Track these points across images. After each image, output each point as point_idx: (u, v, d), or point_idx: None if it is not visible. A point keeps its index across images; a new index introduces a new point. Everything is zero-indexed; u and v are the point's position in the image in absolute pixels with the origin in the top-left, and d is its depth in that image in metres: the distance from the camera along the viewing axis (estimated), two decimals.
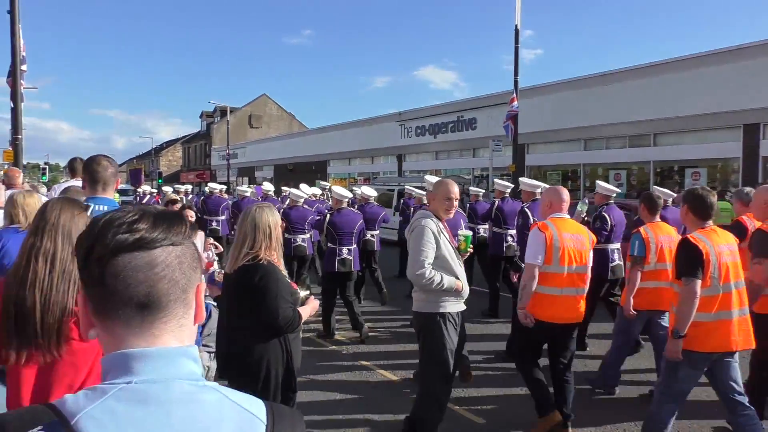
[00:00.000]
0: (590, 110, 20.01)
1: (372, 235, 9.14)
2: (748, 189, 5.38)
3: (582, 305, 4.27)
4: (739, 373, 3.73)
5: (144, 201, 16.04)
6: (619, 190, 7.31)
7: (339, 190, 7.80)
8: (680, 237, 4.09)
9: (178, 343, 0.87)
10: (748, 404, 3.67)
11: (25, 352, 1.87)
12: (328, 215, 7.58)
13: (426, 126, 28.01)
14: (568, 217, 4.38)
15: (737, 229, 4.55)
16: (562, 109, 20.92)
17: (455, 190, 4.04)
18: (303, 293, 3.43)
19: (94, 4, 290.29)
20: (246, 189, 12.09)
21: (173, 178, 54.50)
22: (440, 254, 3.90)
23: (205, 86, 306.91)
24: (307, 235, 8.77)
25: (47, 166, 46.32)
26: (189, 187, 19.07)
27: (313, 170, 37.80)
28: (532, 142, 22.57)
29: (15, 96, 11.10)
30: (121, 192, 27.24)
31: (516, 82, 19.23)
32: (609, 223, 6.58)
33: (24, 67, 11.38)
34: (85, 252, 0.86)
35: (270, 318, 3.06)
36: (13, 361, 1.88)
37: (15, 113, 11.20)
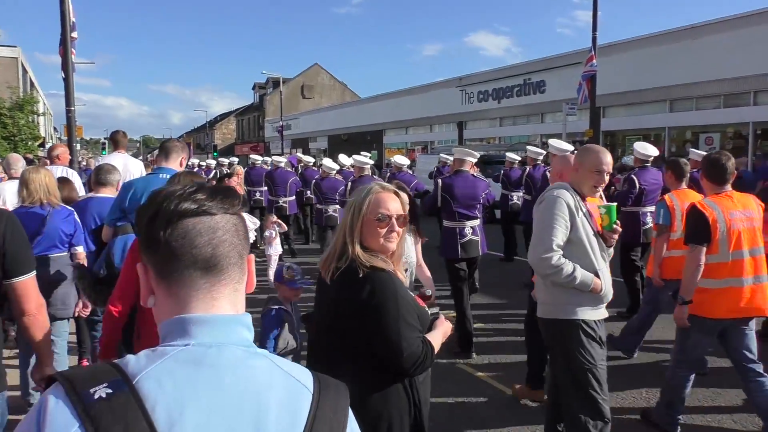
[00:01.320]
0: (677, 67, 18.01)
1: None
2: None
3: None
4: (754, 341, 3.65)
5: (210, 173, 15.90)
6: (656, 153, 6.86)
7: (359, 158, 8.43)
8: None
9: (233, 309, 0.91)
10: (761, 371, 3.59)
11: None
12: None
13: (489, 91, 26.41)
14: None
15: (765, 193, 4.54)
16: (644, 67, 18.97)
17: (608, 160, 3.11)
18: (432, 310, 2.38)
19: None
20: (281, 159, 11.78)
21: (228, 151, 54.63)
22: (576, 237, 3.00)
23: (256, 58, 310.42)
24: (338, 206, 8.82)
25: (107, 141, 47.54)
26: (235, 159, 18.73)
27: (368, 140, 36.82)
28: (608, 105, 20.70)
29: (66, 65, 10.40)
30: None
31: (594, 39, 17.49)
32: (637, 186, 6.46)
33: (74, 35, 10.67)
34: (149, 218, 0.89)
35: (390, 354, 2.00)
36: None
37: (67, 84, 10.53)
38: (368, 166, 8.43)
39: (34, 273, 2.34)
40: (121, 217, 3.57)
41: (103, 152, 47.18)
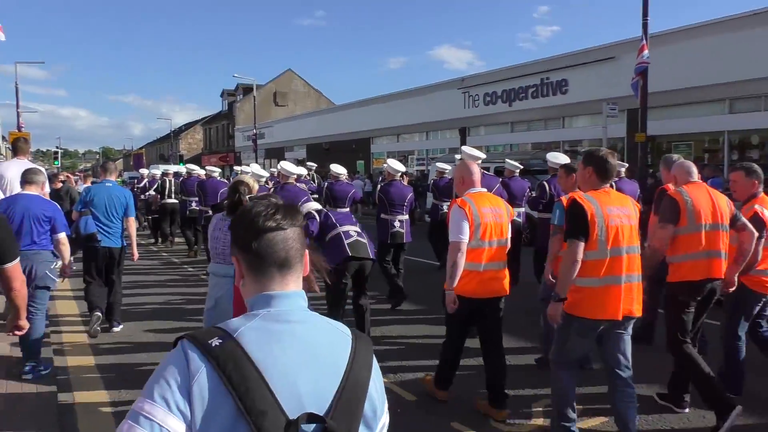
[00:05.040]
0: (738, 61, 15.26)
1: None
2: (676, 156, 5.29)
3: (506, 279, 4.25)
4: (629, 346, 3.62)
5: (142, 183, 15.80)
6: (566, 160, 7.03)
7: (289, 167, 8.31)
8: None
9: (297, 288, 1.30)
10: (630, 381, 3.59)
11: None
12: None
13: (498, 92, 23.41)
14: (484, 190, 4.35)
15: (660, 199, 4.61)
16: (698, 61, 16.18)
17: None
18: None
19: None
20: (214, 169, 11.90)
21: (195, 162, 50.55)
22: None
23: (219, 68, 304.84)
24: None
25: (58, 151, 43.43)
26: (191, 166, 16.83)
27: (353, 149, 33.50)
28: (651, 106, 17.82)
29: None
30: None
31: (645, 24, 14.72)
32: (548, 193, 7.27)
33: None
34: (244, 230, 1.27)
35: None
36: None
37: None
38: (294, 176, 8.34)
39: (18, 259, 3.20)
40: (83, 207, 6.23)
41: (55, 162, 42.82)
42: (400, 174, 8.21)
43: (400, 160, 28.94)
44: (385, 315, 7.29)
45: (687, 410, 4.30)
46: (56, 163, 42.12)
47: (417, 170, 27.13)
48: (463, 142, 25.73)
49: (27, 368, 4.77)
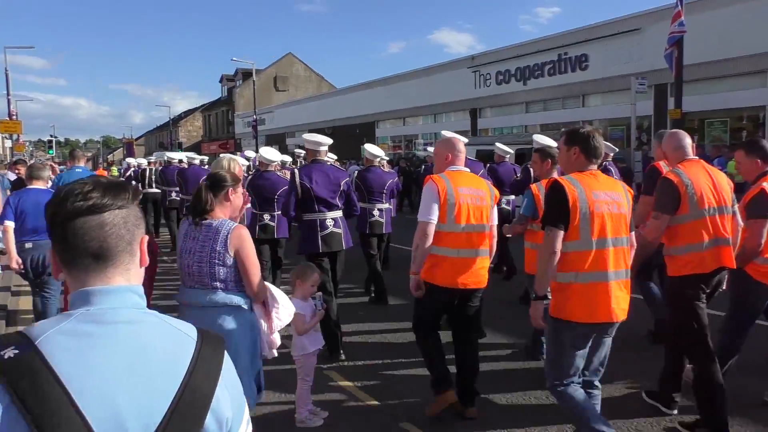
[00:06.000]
0: None
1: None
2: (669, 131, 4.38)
3: (485, 269, 3.85)
4: (607, 350, 3.20)
5: (128, 173, 15.31)
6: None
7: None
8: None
9: (126, 282, 1.10)
10: (598, 383, 3.28)
11: None
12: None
13: (511, 71, 22.05)
14: (467, 170, 3.95)
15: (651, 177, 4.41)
16: (734, 30, 14.80)
17: None
18: None
19: None
20: (195, 156, 11.68)
21: (194, 149, 49.39)
22: None
23: (220, 54, 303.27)
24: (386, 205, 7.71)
25: (53, 140, 42.73)
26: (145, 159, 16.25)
27: (357, 134, 32.21)
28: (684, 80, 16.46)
29: None
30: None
31: None
32: (532, 177, 6.57)
33: None
34: (50, 216, 1.08)
35: None
36: None
37: None
38: (275, 162, 7.59)
39: None
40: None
41: (50, 151, 42.01)
42: (378, 159, 7.67)
43: (406, 145, 28.23)
44: (362, 309, 6.76)
45: (675, 412, 3.87)
46: (50, 152, 41.22)
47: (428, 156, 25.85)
48: (474, 125, 24.41)
49: None
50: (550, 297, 3.10)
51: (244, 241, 2.98)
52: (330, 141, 5.54)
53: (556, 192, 2.99)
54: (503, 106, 23.21)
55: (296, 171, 5.30)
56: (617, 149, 7.11)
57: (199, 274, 2.96)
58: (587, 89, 19.41)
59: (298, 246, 5.31)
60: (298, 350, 3.82)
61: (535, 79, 21.12)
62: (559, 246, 2.95)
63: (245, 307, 2.99)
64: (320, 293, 3.94)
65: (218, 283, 2.94)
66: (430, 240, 3.66)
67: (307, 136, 5.69)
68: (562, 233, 2.94)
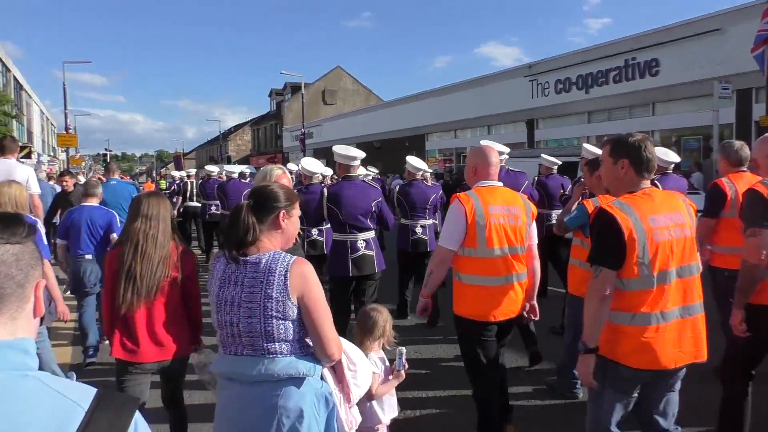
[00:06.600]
0: None
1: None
2: (738, 143, 4.36)
3: (521, 296, 3.42)
4: (675, 403, 2.69)
5: (173, 186, 14.84)
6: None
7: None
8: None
9: (8, 336, 0.93)
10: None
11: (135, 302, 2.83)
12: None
13: (572, 78, 20.67)
14: (499, 184, 3.49)
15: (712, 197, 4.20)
16: None
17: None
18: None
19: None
20: (234, 169, 10.81)
21: (243, 163, 49.77)
22: None
23: (268, 71, 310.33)
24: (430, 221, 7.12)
25: (107, 153, 44.18)
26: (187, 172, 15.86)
27: (406, 147, 31.27)
28: (761, 85, 14.81)
29: None
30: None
31: None
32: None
33: None
34: None
35: None
36: (126, 309, 2.84)
37: None
38: (318, 175, 6.85)
39: None
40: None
41: (103, 164, 43.41)
42: (421, 173, 7.22)
43: (457, 158, 27.14)
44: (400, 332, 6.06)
45: None
46: (104, 165, 42.20)
47: None
48: (531, 136, 23.09)
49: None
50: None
51: (309, 280, 2.09)
52: (363, 154, 5.12)
53: (606, 225, 2.51)
54: (562, 116, 21.81)
55: (325, 191, 5.03)
56: (678, 159, 6.04)
57: (249, 334, 2.06)
58: (658, 96, 17.86)
59: (327, 267, 5.04)
60: (369, 420, 2.88)
61: (598, 86, 19.68)
62: (611, 289, 2.51)
63: (316, 375, 2.12)
64: (403, 348, 3.08)
65: (277, 345, 2.05)
66: (446, 268, 3.42)
67: (338, 148, 5.12)
68: (614, 274, 2.50)
